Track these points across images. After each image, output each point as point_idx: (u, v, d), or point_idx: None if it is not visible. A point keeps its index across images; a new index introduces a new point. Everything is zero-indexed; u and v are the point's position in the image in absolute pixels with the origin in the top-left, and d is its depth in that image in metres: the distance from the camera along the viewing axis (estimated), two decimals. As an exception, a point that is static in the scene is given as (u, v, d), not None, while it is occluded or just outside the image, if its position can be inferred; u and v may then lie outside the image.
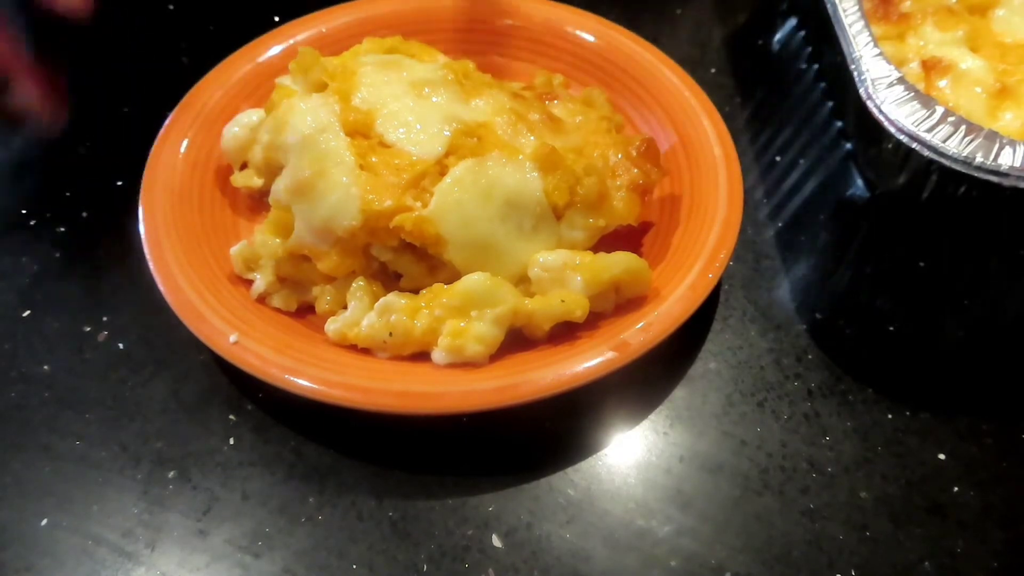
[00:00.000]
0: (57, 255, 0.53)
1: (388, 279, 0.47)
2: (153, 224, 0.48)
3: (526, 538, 0.42)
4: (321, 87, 0.49)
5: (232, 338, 0.44)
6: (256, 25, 0.59)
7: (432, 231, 0.44)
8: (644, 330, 0.44)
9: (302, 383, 0.42)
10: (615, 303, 0.46)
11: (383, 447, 0.45)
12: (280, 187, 0.46)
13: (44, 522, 0.43)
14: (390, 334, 0.44)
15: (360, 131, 0.46)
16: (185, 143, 0.52)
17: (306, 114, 0.46)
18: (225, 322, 0.44)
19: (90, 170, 0.57)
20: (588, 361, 0.43)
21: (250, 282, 0.48)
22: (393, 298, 0.45)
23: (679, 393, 0.48)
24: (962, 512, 0.44)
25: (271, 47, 0.57)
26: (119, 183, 0.56)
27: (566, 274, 0.45)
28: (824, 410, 0.47)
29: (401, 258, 0.46)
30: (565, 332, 0.45)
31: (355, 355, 0.45)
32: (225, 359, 0.43)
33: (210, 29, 0.58)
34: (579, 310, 0.44)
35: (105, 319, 0.50)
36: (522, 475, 0.45)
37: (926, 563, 0.42)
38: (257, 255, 0.48)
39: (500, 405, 0.42)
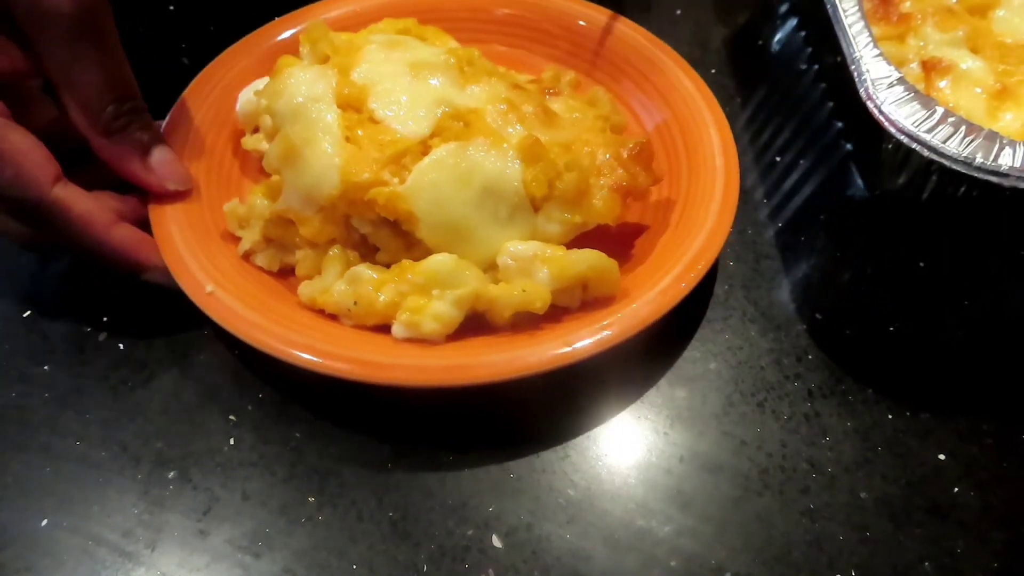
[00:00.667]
0: (57, 255, 0.53)
1: (367, 251, 0.48)
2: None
3: (526, 538, 0.42)
4: (326, 59, 0.50)
5: (208, 288, 0.45)
6: (256, 25, 0.59)
7: (404, 207, 0.44)
8: (604, 328, 0.44)
9: (264, 339, 0.43)
10: (581, 300, 0.46)
11: (383, 447, 0.45)
12: (271, 152, 0.47)
13: (44, 522, 0.43)
14: (355, 303, 0.45)
15: (352, 105, 0.48)
16: (207, 103, 0.54)
17: (302, 83, 0.48)
18: (205, 273, 0.46)
19: (90, 170, 0.57)
20: (542, 353, 0.43)
21: (240, 240, 0.50)
22: (362, 269, 0.46)
23: (679, 393, 0.48)
24: (962, 512, 0.44)
25: (300, 23, 0.58)
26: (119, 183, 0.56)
27: (534, 265, 0.45)
28: (824, 410, 0.47)
29: (379, 231, 0.47)
30: (528, 322, 0.45)
31: (321, 319, 0.46)
32: (200, 310, 0.45)
33: (210, 29, 0.58)
34: (539, 302, 0.44)
35: (105, 319, 0.50)
36: (522, 475, 0.45)
37: (926, 563, 0.42)
38: (248, 214, 0.49)
39: (448, 383, 0.43)
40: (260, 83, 0.53)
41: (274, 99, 0.48)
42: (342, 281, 0.46)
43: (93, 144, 0.46)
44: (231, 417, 0.46)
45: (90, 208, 0.45)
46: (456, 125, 0.47)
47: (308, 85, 0.47)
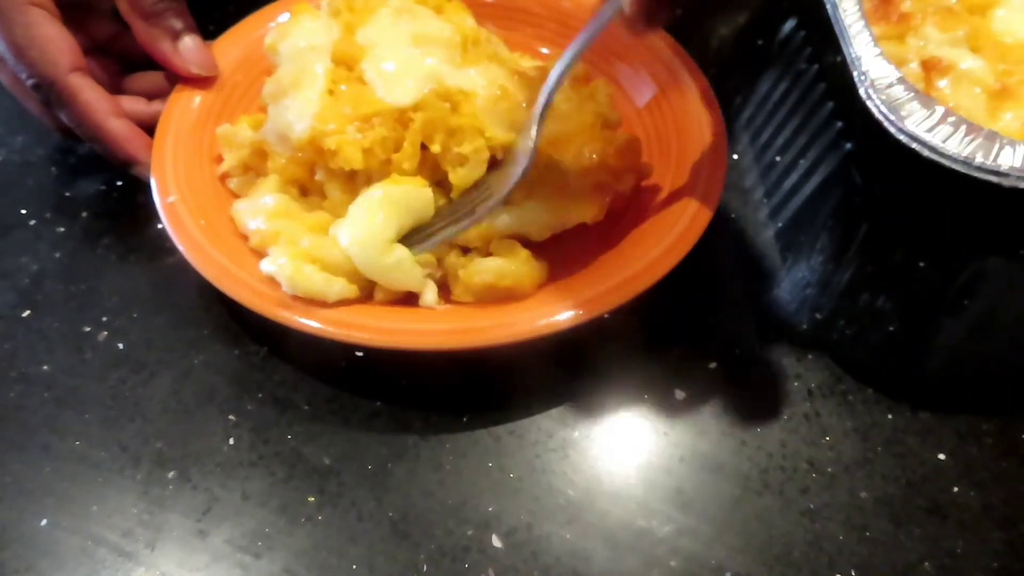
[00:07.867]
0: (57, 255, 0.53)
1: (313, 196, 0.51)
2: (183, 93, 0.54)
3: (526, 538, 0.42)
4: (339, 14, 0.52)
5: (171, 198, 0.48)
6: None
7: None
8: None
9: (183, 248, 0.46)
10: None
11: (383, 447, 0.45)
12: (266, 86, 0.51)
13: (44, 522, 0.43)
14: (255, 228, 0.48)
15: (346, 62, 0.50)
16: (247, 41, 0.57)
17: (307, 32, 0.51)
18: (176, 186, 0.49)
19: (90, 170, 0.57)
20: (420, 327, 0.45)
21: None
22: (272, 199, 0.48)
23: (679, 393, 0.48)
24: (962, 512, 0.44)
25: None
26: (119, 183, 0.56)
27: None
28: (824, 410, 0.47)
29: (331, 181, 0.49)
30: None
31: (244, 245, 0.48)
32: (160, 215, 0.48)
33: (210, 29, 0.58)
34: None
35: (105, 319, 0.50)
36: (522, 475, 0.45)
37: (926, 563, 0.42)
38: (232, 139, 0.52)
39: (283, 321, 0.44)
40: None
41: (281, 40, 0.52)
42: (258, 203, 0.49)
43: (133, 27, 0.53)
44: (231, 417, 0.46)
45: (95, 97, 0.50)
46: (441, 105, 0.47)
47: (311, 35, 0.51)
